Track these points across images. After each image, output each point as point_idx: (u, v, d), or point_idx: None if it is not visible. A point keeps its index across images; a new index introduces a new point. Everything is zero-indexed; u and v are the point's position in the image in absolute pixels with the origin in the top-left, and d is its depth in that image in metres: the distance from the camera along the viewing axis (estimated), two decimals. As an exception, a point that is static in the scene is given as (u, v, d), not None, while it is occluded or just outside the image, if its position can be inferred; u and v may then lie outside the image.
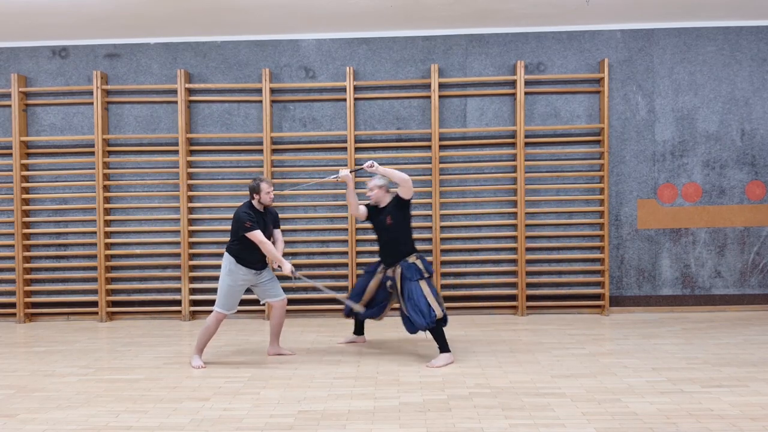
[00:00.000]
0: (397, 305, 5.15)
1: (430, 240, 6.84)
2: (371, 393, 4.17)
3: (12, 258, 6.93)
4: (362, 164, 5.10)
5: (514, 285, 6.82)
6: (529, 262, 6.80)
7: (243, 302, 5.72)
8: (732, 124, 6.80)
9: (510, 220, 6.82)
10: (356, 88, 6.84)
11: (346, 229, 6.79)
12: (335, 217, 6.85)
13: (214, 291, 5.32)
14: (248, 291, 5.12)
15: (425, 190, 6.80)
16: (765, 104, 6.79)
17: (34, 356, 5.39)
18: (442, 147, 6.81)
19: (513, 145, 6.80)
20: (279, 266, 4.90)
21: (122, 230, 6.96)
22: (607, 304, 6.75)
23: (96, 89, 6.79)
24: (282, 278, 5.30)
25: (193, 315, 6.90)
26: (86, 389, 4.37)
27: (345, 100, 6.83)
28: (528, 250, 6.80)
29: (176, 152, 6.88)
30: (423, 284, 4.87)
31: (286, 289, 5.33)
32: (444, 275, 6.85)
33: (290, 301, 6.11)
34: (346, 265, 6.83)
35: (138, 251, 6.95)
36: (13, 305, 6.93)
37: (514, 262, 6.85)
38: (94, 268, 6.93)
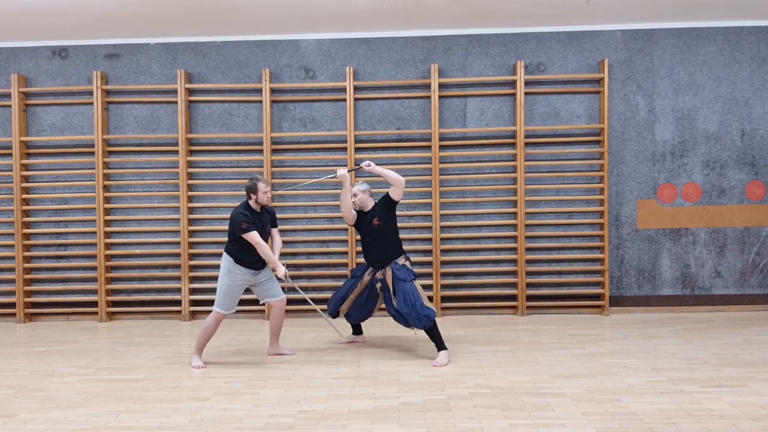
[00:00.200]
0: (382, 306, 5.20)
1: (430, 240, 6.84)
2: (371, 393, 4.17)
3: (12, 258, 6.93)
4: (360, 164, 5.11)
5: (514, 285, 6.82)
6: (529, 262, 6.80)
7: (243, 302, 5.73)
8: (732, 124, 6.80)
9: (510, 220, 6.82)
10: (356, 88, 6.84)
11: (346, 229, 6.79)
12: (335, 217, 6.85)
13: (213, 291, 5.32)
14: (248, 291, 5.12)
15: (425, 190, 6.80)
16: (765, 104, 6.79)
17: (34, 356, 5.38)
18: (442, 147, 6.81)
19: (513, 145, 6.80)
20: (274, 268, 4.90)
21: (122, 230, 6.96)
22: (607, 304, 6.75)
23: (96, 89, 6.80)
24: (279, 278, 5.30)
25: (193, 315, 6.90)
26: (86, 389, 4.37)
27: (345, 100, 6.83)
28: (528, 250, 6.80)
29: (176, 152, 6.88)
30: (417, 285, 4.92)
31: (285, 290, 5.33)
32: (444, 275, 6.85)
33: (290, 301, 6.12)
34: (346, 265, 6.83)
35: (138, 251, 6.95)
36: (13, 305, 6.93)
37: (514, 262, 6.85)
38: (94, 268, 6.93)
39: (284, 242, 6.45)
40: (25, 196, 6.94)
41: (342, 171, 5.07)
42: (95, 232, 6.88)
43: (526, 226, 6.78)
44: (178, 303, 6.92)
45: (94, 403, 4.07)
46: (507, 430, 3.47)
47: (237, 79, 6.93)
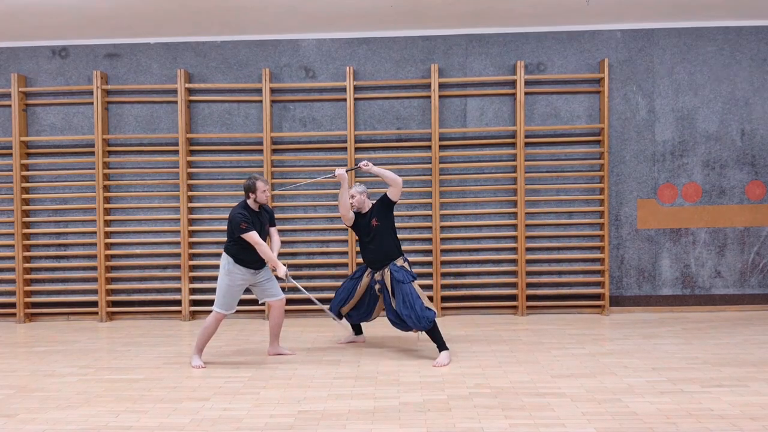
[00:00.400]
0: (382, 308, 5.20)
1: (430, 240, 6.84)
2: (371, 393, 4.17)
3: (12, 258, 6.93)
4: (358, 164, 5.12)
5: (514, 285, 6.82)
6: (529, 262, 6.80)
7: (242, 302, 5.73)
8: (732, 124, 6.80)
9: (510, 220, 6.82)
10: (356, 88, 6.84)
11: (346, 229, 6.78)
12: (335, 217, 6.84)
13: (213, 291, 5.31)
14: (248, 291, 5.11)
15: (425, 190, 6.80)
16: (765, 104, 6.79)
17: (34, 356, 5.38)
18: (442, 147, 6.81)
19: (513, 145, 6.80)
20: (274, 268, 4.90)
21: (122, 230, 6.96)
22: (607, 304, 6.75)
23: (96, 89, 6.80)
24: (279, 278, 5.30)
25: (193, 315, 6.90)
26: (86, 389, 4.37)
27: (345, 100, 6.83)
28: (528, 250, 6.80)
29: (176, 152, 6.88)
30: (416, 286, 4.91)
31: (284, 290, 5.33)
32: (444, 275, 6.85)
33: (290, 301, 6.13)
34: (346, 265, 6.83)
35: (138, 251, 6.95)
36: (13, 305, 6.93)
37: (514, 262, 6.85)
38: (94, 268, 6.93)
39: (284, 242, 6.46)
40: (25, 196, 6.94)
41: (340, 171, 5.07)
42: (95, 232, 6.88)
43: (526, 226, 6.78)
44: (178, 303, 6.92)
45: (94, 403, 4.07)
46: (507, 430, 3.47)
47: (237, 79, 6.93)
